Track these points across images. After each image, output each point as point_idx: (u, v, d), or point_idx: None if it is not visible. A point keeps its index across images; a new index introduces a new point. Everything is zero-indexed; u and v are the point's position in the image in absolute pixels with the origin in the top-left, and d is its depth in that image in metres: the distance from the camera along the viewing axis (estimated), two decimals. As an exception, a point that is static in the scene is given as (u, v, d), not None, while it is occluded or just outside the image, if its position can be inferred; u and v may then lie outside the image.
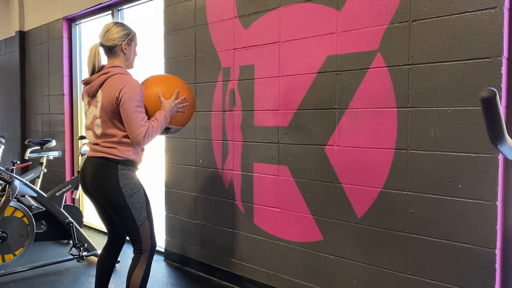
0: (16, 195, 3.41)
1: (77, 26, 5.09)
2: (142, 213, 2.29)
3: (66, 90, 5.11)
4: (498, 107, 1.20)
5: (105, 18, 4.60)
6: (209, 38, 3.29)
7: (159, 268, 3.58)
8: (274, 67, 2.85)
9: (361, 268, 2.48)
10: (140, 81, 2.35)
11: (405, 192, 2.28)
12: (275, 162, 2.89)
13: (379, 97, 2.36)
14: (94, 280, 3.32)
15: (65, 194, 3.70)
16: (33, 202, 3.92)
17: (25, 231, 3.41)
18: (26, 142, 4.20)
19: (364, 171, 2.44)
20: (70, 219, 3.64)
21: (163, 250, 3.79)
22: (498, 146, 1.29)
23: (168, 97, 2.37)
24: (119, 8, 4.34)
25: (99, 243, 3.95)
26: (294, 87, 2.76)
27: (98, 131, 2.27)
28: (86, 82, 2.33)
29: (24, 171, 5.24)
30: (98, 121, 2.26)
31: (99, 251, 3.73)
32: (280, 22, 2.81)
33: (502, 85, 1.96)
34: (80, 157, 3.85)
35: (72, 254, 3.57)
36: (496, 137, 1.26)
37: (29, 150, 4.13)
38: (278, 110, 2.85)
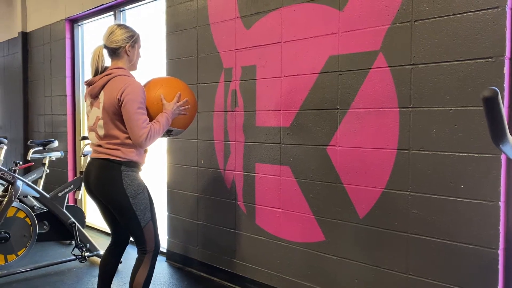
0: (19, 196, 3.41)
1: (80, 27, 5.11)
2: (146, 214, 2.30)
3: (68, 91, 5.13)
4: (500, 106, 1.20)
5: (107, 19, 4.61)
6: (211, 38, 3.29)
7: (161, 269, 3.59)
8: (276, 67, 2.85)
9: (363, 269, 2.47)
10: (142, 83, 2.35)
11: (407, 193, 2.28)
12: (277, 162, 2.89)
13: (381, 97, 2.36)
14: (96, 280, 3.32)
15: (67, 195, 3.71)
16: (35, 203, 3.93)
17: (27, 231, 3.41)
18: (28, 143, 4.21)
19: (366, 172, 2.43)
20: (73, 219, 3.65)
21: (165, 251, 3.79)
22: (500, 146, 1.28)
23: (170, 100, 2.38)
24: (121, 9, 4.35)
25: (101, 243, 3.95)
26: (296, 87, 2.75)
27: (101, 132, 2.27)
28: (89, 83, 2.33)
29: (26, 171, 5.25)
30: (101, 122, 2.26)
31: (101, 252, 3.73)
32: (282, 23, 2.81)
33: (504, 85, 1.96)
34: (82, 157, 3.86)
35: (74, 255, 3.58)
36: (498, 137, 1.26)
37: (31, 150, 4.13)
38: (280, 110, 2.85)
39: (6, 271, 3.35)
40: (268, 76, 2.91)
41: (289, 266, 2.86)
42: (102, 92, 2.26)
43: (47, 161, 4.17)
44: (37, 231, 3.47)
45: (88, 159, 3.80)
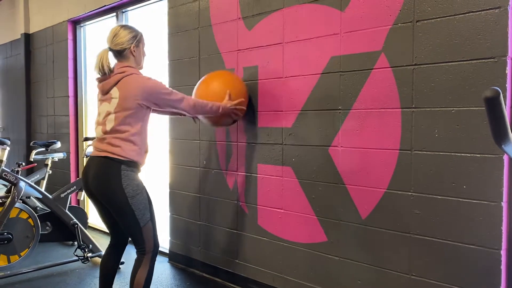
0: (22, 197, 3.43)
1: (82, 28, 5.12)
2: (145, 214, 2.30)
3: (71, 92, 5.14)
4: (502, 106, 1.20)
5: (110, 20, 4.62)
6: (212, 39, 3.29)
7: (163, 269, 3.59)
8: (278, 68, 2.85)
9: (365, 269, 2.47)
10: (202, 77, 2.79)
11: (410, 193, 2.27)
12: (279, 163, 2.89)
13: (383, 97, 2.35)
14: (98, 281, 3.33)
15: (70, 196, 3.72)
16: (38, 204, 3.94)
17: (30, 232, 3.42)
18: (31, 144, 4.22)
19: (369, 172, 2.43)
20: (75, 220, 3.66)
21: (167, 251, 3.80)
22: (503, 146, 1.28)
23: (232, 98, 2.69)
24: (123, 10, 4.36)
25: (103, 244, 3.95)
26: (297, 88, 2.75)
27: (110, 126, 2.29)
28: (100, 80, 2.36)
29: (29, 172, 5.27)
30: (112, 116, 2.28)
31: (103, 252, 3.74)
32: (283, 23, 2.82)
33: (507, 85, 1.95)
34: (84, 158, 3.87)
35: (77, 255, 3.59)
36: (500, 137, 1.26)
37: (34, 151, 4.15)
38: (281, 111, 2.85)
39: (9, 272, 3.36)
40: (270, 77, 2.91)
41: (292, 267, 2.86)
42: (115, 88, 2.29)
43: (49, 162, 4.18)
44: (40, 232, 3.48)
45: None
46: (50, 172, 4.20)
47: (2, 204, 3.33)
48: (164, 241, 3.72)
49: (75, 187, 3.76)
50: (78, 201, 4.97)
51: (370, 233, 2.44)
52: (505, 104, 1.93)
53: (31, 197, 3.73)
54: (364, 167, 2.45)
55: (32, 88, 5.96)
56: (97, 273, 3.51)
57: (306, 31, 2.69)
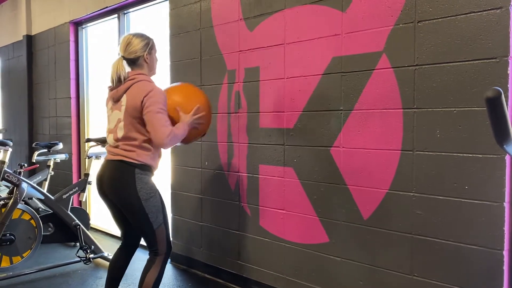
0: (24, 198, 3.43)
1: (84, 29, 5.13)
2: (159, 217, 2.33)
3: (72, 93, 5.15)
4: (504, 107, 1.20)
5: (111, 22, 4.63)
6: (214, 40, 3.30)
7: (165, 270, 3.58)
8: (279, 69, 2.86)
9: (367, 270, 2.47)
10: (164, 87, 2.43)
11: (412, 194, 2.27)
12: (281, 164, 2.89)
13: (385, 98, 2.35)
14: (101, 282, 3.34)
15: (72, 197, 3.72)
16: (40, 205, 3.94)
17: (32, 233, 3.43)
18: (33, 145, 4.23)
19: (370, 173, 2.43)
20: (77, 221, 3.66)
21: (169, 252, 3.80)
22: (504, 146, 1.28)
23: (188, 111, 2.40)
24: (125, 12, 4.36)
25: (106, 245, 3.97)
26: (299, 88, 2.76)
27: (120, 134, 2.31)
28: (112, 88, 2.37)
29: (31, 173, 5.27)
30: (121, 124, 2.30)
31: (106, 253, 3.75)
32: (285, 24, 2.82)
33: (508, 85, 1.95)
34: (86, 159, 3.87)
35: (79, 256, 3.59)
36: (502, 138, 1.26)
37: (36, 153, 4.15)
38: (283, 111, 2.86)
39: (11, 273, 3.36)
40: (271, 78, 2.91)
41: (293, 267, 2.85)
42: (124, 96, 2.30)
43: (51, 163, 4.18)
44: (42, 233, 3.49)
45: (93, 160, 3.83)
46: (52, 173, 4.20)
47: (5, 205, 3.33)
48: (166, 242, 3.72)
49: (77, 188, 3.77)
50: (80, 202, 4.98)
51: (372, 234, 2.44)
52: (507, 104, 1.93)
53: (33, 198, 3.74)
54: (366, 168, 2.45)
55: (34, 89, 5.97)
56: (99, 274, 3.52)
57: (308, 32, 2.69)
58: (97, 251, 3.72)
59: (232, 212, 3.23)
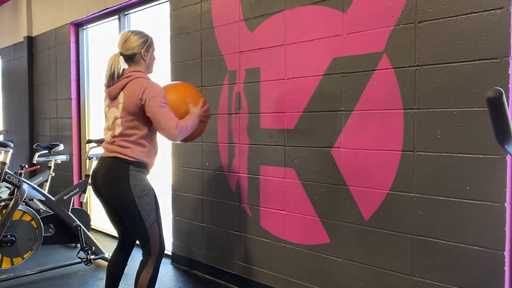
0: (25, 199, 3.43)
1: (84, 31, 5.14)
2: (151, 216, 2.31)
3: (73, 95, 5.15)
4: (505, 107, 1.20)
5: (112, 23, 4.63)
6: (215, 41, 3.30)
7: (166, 271, 3.59)
8: (280, 69, 2.86)
9: (368, 271, 2.47)
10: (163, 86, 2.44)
11: (412, 194, 2.27)
12: (282, 164, 2.89)
13: (386, 98, 2.35)
14: (102, 283, 3.33)
15: (72, 198, 3.72)
16: (41, 206, 3.94)
17: (33, 234, 3.43)
18: (34, 146, 4.23)
19: (371, 173, 2.43)
20: (78, 222, 3.66)
21: (170, 253, 3.80)
22: (506, 146, 1.28)
23: (196, 105, 2.46)
24: (126, 13, 4.37)
25: (106, 246, 3.97)
26: (300, 89, 2.76)
27: (118, 130, 2.31)
28: (109, 85, 2.37)
29: (32, 175, 5.27)
30: (119, 121, 2.30)
31: (106, 254, 3.74)
32: (285, 25, 2.82)
33: (509, 86, 1.95)
34: (87, 161, 3.88)
35: (80, 258, 3.59)
36: (503, 138, 1.25)
37: (37, 154, 4.15)
38: (284, 112, 2.85)
39: (12, 274, 3.36)
40: (272, 78, 2.91)
41: (294, 268, 2.85)
42: (121, 93, 2.31)
43: (52, 164, 4.19)
44: (43, 234, 3.49)
45: (94, 161, 3.82)
46: (53, 174, 4.21)
47: (5, 206, 3.33)
48: (167, 243, 3.71)
49: (78, 189, 3.77)
50: (81, 203, 4.98)
51: (373, 235, 2.43)
52: (508, 105, 1.92)
53: (34, 199, 3.74)
54: (367, 168, 2.44)
55: (35, 90, 5.98)
56: (100, 275, 3.51)
57: (308, 33, 2.69)
58: (98, 252, 3.72)
59: (233, 213, 3.23)
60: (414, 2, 2.23)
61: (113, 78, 2.34)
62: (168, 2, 3.69)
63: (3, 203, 3.37)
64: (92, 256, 3.61)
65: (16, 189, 3.41)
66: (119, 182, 2.26)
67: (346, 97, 2.52)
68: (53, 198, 3.63)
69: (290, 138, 2.83)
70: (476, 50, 2.03)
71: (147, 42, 2.41)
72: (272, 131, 2.94)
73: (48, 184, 4.16)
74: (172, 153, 3.72)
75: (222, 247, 3.33)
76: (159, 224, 2.37)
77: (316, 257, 2.72)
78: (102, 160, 2.38)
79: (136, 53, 2.37)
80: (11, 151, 3.66)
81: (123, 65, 2.38)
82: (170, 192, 3.77)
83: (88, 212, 4.73)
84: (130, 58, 2.38)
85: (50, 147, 4.19)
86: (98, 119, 5.05)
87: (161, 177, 3.97)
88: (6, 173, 3.40)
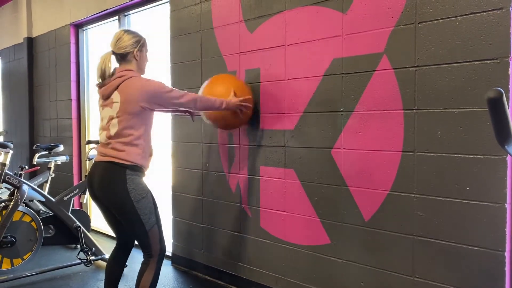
0: (25, 200, 3.43)
1: (84, 31, 5.14)
2: (151, 218, 2.30)
3: (73, 96, 5.15)
4: (505, 107, 1.20)
5: (112, 24, 4.63)
6: (215, 42, 3.30)
7: (166, 272, 3.59)
8: (280, 70, 2.86)
9: (368, 272, 2.46)
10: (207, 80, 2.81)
11: (413, 195, 2.27)
12: (282, 165, 2.88)
13: (386, 99, 2.35)
14: (102, 284, 3.33)
15: (72, 199, 3.72)
16: (41, 207, 3.94)
17: (33, 235, 3.43)
18: (34, 147, 4.23)
19: (371, 174, 2.43)
20: (78, 223, 3.66)
21: (170, 254, 3.79)
22: (506, 147, 1.28)
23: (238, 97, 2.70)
24: (126, 14, 4.37)
25: (106, 247, 3.96)
26: (300, 90, 2.76)
27: (114, 130, 2.29)
28: (101, 85, 2.36)
29: (32, 176, 5.27)
30: (115, 121, 2.28)
31: (106, 255, 3.74)
32: (285, 26, 2.82)
33: (509, 86, 1.95)
34: (87, 161, 3.87)
35: (80, 259, 3.59)
36: (503, 138, 1.25)
37: (37, 155, 4.15)
38: (284, 113, 2.85)
39: (12, 275, 3.36)
40: (272, 79, 2.91)
41: (295, 269, 2.85)
42: (116, 93, 2.29)
43: (52, 165, 4.18)
44: (43, 235, 3.49)
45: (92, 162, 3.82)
46: (53, 175, 4.20)
47: (5, 207, 3.33)
48: (167, 244, 3.71)
49: (78, 190, 3.77)
50: (81, 204, 4.98)
51: (373, 235, 2.43)
52: (508, 105, 1.92)
53: (34, 200, 3.74)
54: (367, 169, 2.44)
55: (35, 91, 5.98)
56: (100, 276, 3.51)
57: (308, 33, 2.69)
58: (98, 253, 3.72)
59: (233, 214, 3.23)
60: (414, 3, 2.23)
61: (103, 77, 2.33)
62: (168, 3, 3.69)
63: (3, 204, 3.37)
64: (92, 257, 3.60)
65: (16, 190, 3.41)
66: (116, 187, 2.24)
67: (346, 98, 2.52)
68: (53, 199, 3.63)
69: (290, 139, 2.83)
70: (476, 51, 2.03)
71: (140, 42, 2.40)
72: (272, 131, 2.94)
73: (48, 185, 4.16)
74: (172, 154, 3.72)
75: (222, 248, 3.33)
76: (159, 226, 2.36)
77: (316, 258, 2.72)
78: (96, 164, 2.35)
79: (129, 53, 2.36)
80: (11, 152, 3.66)
81: (114, 64, 2.38)
82: (170, 192, 3.76)
83: (88, 213, 4.72)
84: (122, 58, 2.37)
85: (50, 148, 4.18)
86: (98, 120, 5.05)
87: (160, 178, 3.97)
88: (6, 174, 3.40)
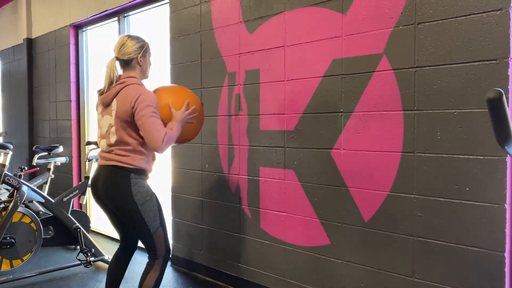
0: (24, 201, 3.43)
1: (84, 32, 5.14)
2: (156, 220, 2.31)
3: (73, 96, 5.15)
4: (505, 107, 1.20)
5: (112, 25, 4.63)
6: (214, 43, 3.30)
7: (166, 273, 3.55)
8: (280, 71, 2.86)
9: (368, 272, 2.46)
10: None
11: (413, 196, 2.27)
12: (281, 166, 2.88)
13: (385, 100, 2.35)
14: (101, 285, 3.33)
15: (72, 200, 3.72)
16: (40, 208, 3.94)
17: (32, 236, 3.42)
18: (33, 148, 4.23)
19: (371, 175, 2.43)
20: (78, 224, 3.66)
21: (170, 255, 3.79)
22: (506, 147, 1.28)
23: (178, 108, 2.38)
24: (125, 15, 4.37)
25: (106, 248, 3.96)
26: (299, 91, 2.76)
27: (113, 139, 2.29)
28: (102, 92, 2.36)
29: (31, 176, 5.27)
30: (113, 129, 2.28)
31: (106, 256, 3.74)
32: (285, 27, 2.82)
33: (509, 87, 1.95)
34: (87, 162, 3.87)
35: (79, 260, 3.58)
36: (503, 139, 1.25)
37: (36, 156, 4.15)
38: (284, 114, 2.85)
39: (11, 276, 3.35)
40: (271, 80, 2.91)
41: (294, 270, 2.85)
42: (114, 100, 2.29)
43: (52, 166, 4.18)
44: (42, 236, 3.48)
45: (94, 163, 3.82)
46: (53, 176, 4.20)
47: (5, 208, 3.33)
48: (167, 245, 3.72)
49: (77, 191, 3.76)
50: (80, 205, 4.97)
51: (373, 236, 2.43)
52: (508, 106, 1.93)
53: (34, 201, 3.73)
54: (367, 170, 2.44)
55: (34, 92, 5.98)
56: (100, 277, 3.51)
57: (308, 34, 2.69)
58: (97, 254, 3.71)
59: (232, 215, 3.23)
60: (414, 4, 2.23)
61: (111, 84, 2.32)
62: (168, 4, 3.69)
63: (2, 205, 3.37)
64: (92, 258, 3.60)
65: (15, 191, 3.40)
66: (121, 190, 2.25)
67: (346, 99, 2.52)
68: (52, 200, 3.62)
69: (290, 140, 2.83)
70: (476, 52, 2.04)
71: (143, 48, 2.39)
72: (272, 132, 2.94)
73: (47, 186, 4.16)
74: (172, 155, 3.72)
75: (222, 249, 3.33)
76: (163, 228, 2.37)
77: (316, 259, 2.72)
78: (101, 168, 2.35)
79: (132, 59, 2.35)
80: (10, 153, 3.66)
81: (119, 70, 2.38)
82: (170, 194, 3.76)
83: (88, 214, 4.73)
84: (126, 63, 2.37)
85: (49, 149, 4.18)
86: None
87: (160, 179, 3.97)
88: (6, 175, 3.39)
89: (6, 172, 3.42)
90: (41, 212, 3.93)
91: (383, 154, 2.37)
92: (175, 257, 3.75)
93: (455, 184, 2.11)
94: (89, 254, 3.59)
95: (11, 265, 3.33)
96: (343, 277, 2.58)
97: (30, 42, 5.95)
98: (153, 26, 4.10)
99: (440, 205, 2.17)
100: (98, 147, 2.45)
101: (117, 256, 2.54)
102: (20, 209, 3.36)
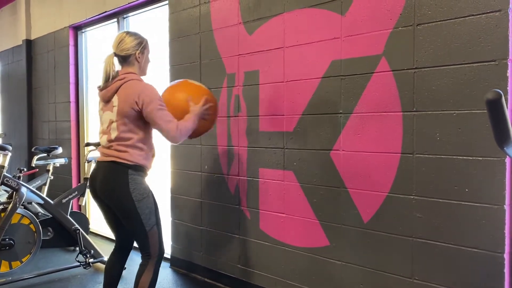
0: (23, 202, 3.43)
1: (83, 34, 5.14)
2: (151, 219, 2.31)
3: (72, 98, 5.15)
4: (504, 109, 1.20)
5: (111, 26, 4.63)
6: (214, 44, 3.30)
7: (165, 275, 3.58)
8: (279, 72, 2.86)
9: (368, 274, 2.46)
10: (164, 87, 2.47)
11: (412, 197, 2.27)
12: (281, 167, 2.88)
13: (384, 101, 2.35)
14: (100, 286, 3.32)
15: (71, 201, 3.72)
16: (39, 209, 3.93)
17: (32, 238, 3.42)
18: (33, 150, 4.23)
19: (370, 176, 2.43)
20: (77, 226, 3.65)
21: (169, 257, 3.79)
22: (505, 148, 1.28)
23: (196, 103, 2.45)
24: (125, 16, 4.37)
25: (105, 249, 3.95)
26: (299, 92, 2.76)
27: (114, 134, 2.29)
28: (102, 88, 2.36)
29: (31, 178, 5.26)
30: (114, 124, 2.29)
31: (105, 258, 3.73)
32: (284, 28, 2.82)
33: (508, 88, 1.95)
34: (86, 164, 3.87)
35: (78, 261, 3.58)
36: (502, 140, 1.26)
37: (36, 157, 4.15)
38: (283, 115, 2.86)
39: (10, 278, 3.35)
40: (271, 81, 2.91)
41: (294, 271, 2.85)
42: (115, 96, 2.29)
43: (51, 168, 4.18)
44: (42, 238, 3.48)
45: (93, 164, 3.82)
46: (52, 177, 4.20)
47: (4, 210, 3.33)
48: (166, 246, 3.71)
49: (76, 192, 3.76)
50: (79, 207, 4.97)
51: (372, 237, 2.43)
52: (507, 107, 1.93)
53: (33, 202, 3.73)
54: (366, 171, 2.44)
55: (33, 94, 5.97)
56: (99, 278, 3.50)
57: (307, 36, 2.70)
58: (96, 255, 3.71)
59: (232, 216, 3.23)
60: (413, 5, 2.23)
61: (108, 80, 2.33)
62: (167, 5, 3.70)
63: (1, 207, 3.36)
64: (91, 260, 3.60)
65: (14, 192, 3.40)
66: (118, 186, 2.25)
67: (345, 100, 2.52)
68: (51, 202, 3.62)
69: (289, 141, 2.83)
70: (475, 53, 2.04)
71: (142, 44, 2.39)
72: (271, 133, 2.94)
73: (46, 187, 4.15)
74: (171, 156, 3.72)
75: (221, 250, 3.33)
76: (158, 227, 2.36)
77: (315, 260, 2.72)
78: (99, 164, 2.36)
79: (131, 55, 2.36)
80: (9, 154, 3.65)
81: (117, 66, 2.38)
82: (169, 195, 3.76)
83: (87, 216, 4.72)
84: (124, 59, 2.37)
85: (48, 150, 4.18)
86: (97, 122, 5.04)
87: (159, 180, 3.97)
88: (5, 176, 3.39)
89: (5, 173, 3.42)
90: (40, 214, 3.92)
91: (382, 155, 2.37)
92: (174, 258, 3.74)
93: (454, 185, 2.12)
94: (88, 255, 3.58)
95: (10, 267, 3.33)
96: (343, 278, 2.58)
97: (29, 44, 5.95)
98: (153, 28, 4.10)
99: (439, 206, 2.17)
100: (98, 147, 2.46)
101: (113, 256, 2.54)
102: (19, 210, 3.36)
